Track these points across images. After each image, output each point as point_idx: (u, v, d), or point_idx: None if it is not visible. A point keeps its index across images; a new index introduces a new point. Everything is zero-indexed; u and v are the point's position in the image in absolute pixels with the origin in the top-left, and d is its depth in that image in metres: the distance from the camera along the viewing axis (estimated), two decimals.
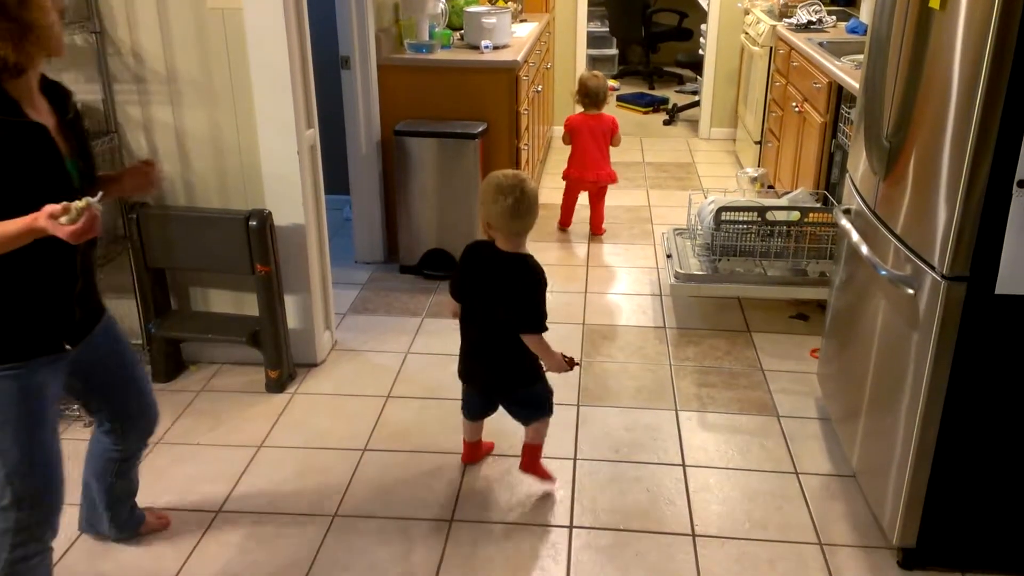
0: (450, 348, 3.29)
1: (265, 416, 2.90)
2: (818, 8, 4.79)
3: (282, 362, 3.04)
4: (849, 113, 3.44)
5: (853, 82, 3.26)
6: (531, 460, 2.53)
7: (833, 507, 2.46)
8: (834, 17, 4.82)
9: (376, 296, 3.80)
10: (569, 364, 2.38)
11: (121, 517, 2.27)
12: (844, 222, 2.50)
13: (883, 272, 2.17)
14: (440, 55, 3.99)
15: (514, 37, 4.37)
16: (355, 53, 3.75)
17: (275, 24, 2.76)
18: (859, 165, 2.52)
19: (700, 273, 3.46)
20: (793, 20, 4.78)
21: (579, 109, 4.50)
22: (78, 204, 1.60)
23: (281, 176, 2.94)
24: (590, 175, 4.40)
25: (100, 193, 1.65)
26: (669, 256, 3.64)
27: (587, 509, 2.45)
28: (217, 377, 3.14)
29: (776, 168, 4.67)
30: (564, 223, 4.59)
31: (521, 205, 2.22)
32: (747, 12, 5.74)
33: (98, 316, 1.97)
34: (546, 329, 2.30)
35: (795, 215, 3.41)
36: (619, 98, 7.47)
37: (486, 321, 2.35)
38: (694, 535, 2.35)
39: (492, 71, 3.91)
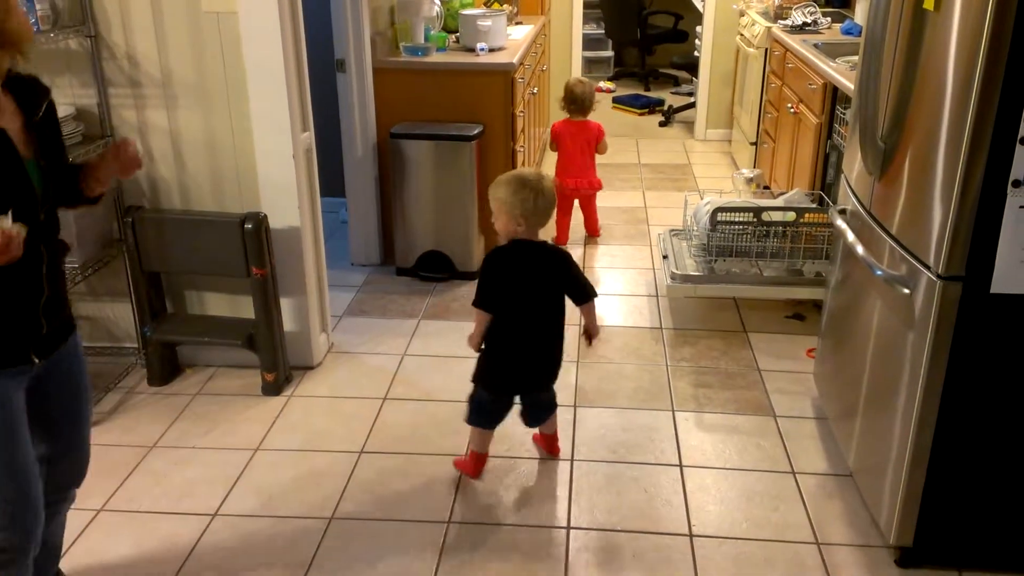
0: (447, 350, 3.31)
1: (261, 419, 2.89)
2: (813, 10, 4.80)
3: (278, 365, 3.03)
4: (844, 114, 3.44)
5: (848, 83, 3.27)
6: (554, 441, 2.71)
7: (830, 506, 2.46)
8: (829, 19, 4.83)
9: (372, 298, 3.80)
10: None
11: None
12: (839, 222, 2.50)
13: (879, 272, 2.18)
14: (436, 58, 3.99)
15: (510, 39, 4.37)
16: (351, 56, 3.75)
17: (270, 27, 2.76)
18: (854, 165, 2.52)
19: (696, 274, 3.47)
20: (788, 22, 4.79)
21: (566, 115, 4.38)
22: None
23: (277, 179, 2.94)
24: (570, 182, 4.30)
25: (10, 211, 1.52)
26: (665, 257, 3.65)
27: (584, 510, 2.45)
28: (213, 380, 3.14)
29: (772, 169, 4.68)
30: (560, 239, 4.39)
31: (550, 196, 2.37)
32: (742, 14, 5.75)
33: (67, 332, 1.83)
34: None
35: (791, 215, 3.42)
36: (615, 100, 7.48)
37: (547, 314, 2.44)
38: (691, 535, 2.35)
39: (488, 73, 3.91)
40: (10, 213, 1.52)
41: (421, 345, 3.38)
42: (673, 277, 3.45)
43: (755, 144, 5.21)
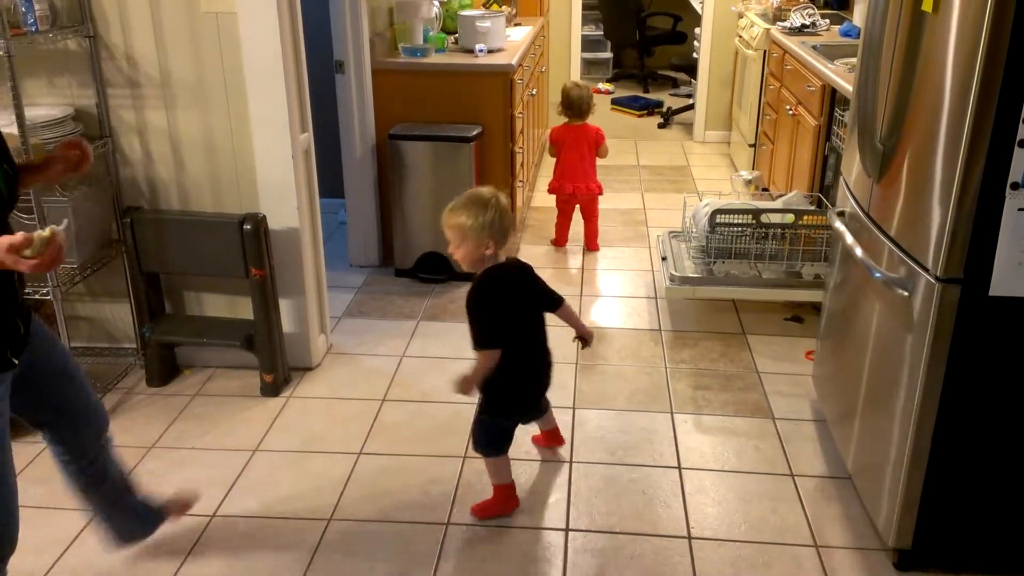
0: (445, 351, 3.31)
1: (260, 420, 2.89)
2: (811, 12, 4.80)
3: (277, 366, 3.03)
4: (843, 116, 3.45)
5: (847, 85, 3.27)
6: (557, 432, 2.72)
7: (828, 509, 2.46)
8: (827, 21, 4.84)
9: (371, 300, 3.80)
10: None
11: (134, 518, 2.19)
12: (838, 224, 2.50)
13: (877, 274, 2.18)
14: (434, 59, 3.99)
15: (508, 41, 4.37)
16: (349, 57, 3.75)
17: (269, 28, 2.76)
18: (853, 168, 2.52)
19: (695, 276, 3.47)
20: (787, 24, 4.80)
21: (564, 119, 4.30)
22: (41, 234, 1.45)
23: (276, 180, 2.94)
24: (568, 187, 4.25)
25: (65, 221, 1.53)
26: (664, 259, 3.65)
27: (583, 512, 2.45)
28: (212, 381, 3.14)
29: (770, 171, 4.68)
30: (559, 242, 4.40)
31: (509, 209, 2.28)
32: (741, 16, 5.75)
33: (30, 322, 1.82)
34: None
35: (789, 218, 3.42)
36: (613, 101, 7.49)
37: (538, 326, 2.40)
38: (690, 537, 2.35)
39: (487, 75, 3.92)
40: (65, 222, 1.53)
41: (420, 346, 3.38)
42: (672, 279, 3.45)
43: (754, 146, 5.21)
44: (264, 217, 2.90)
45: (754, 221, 3.41)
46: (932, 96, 1.96)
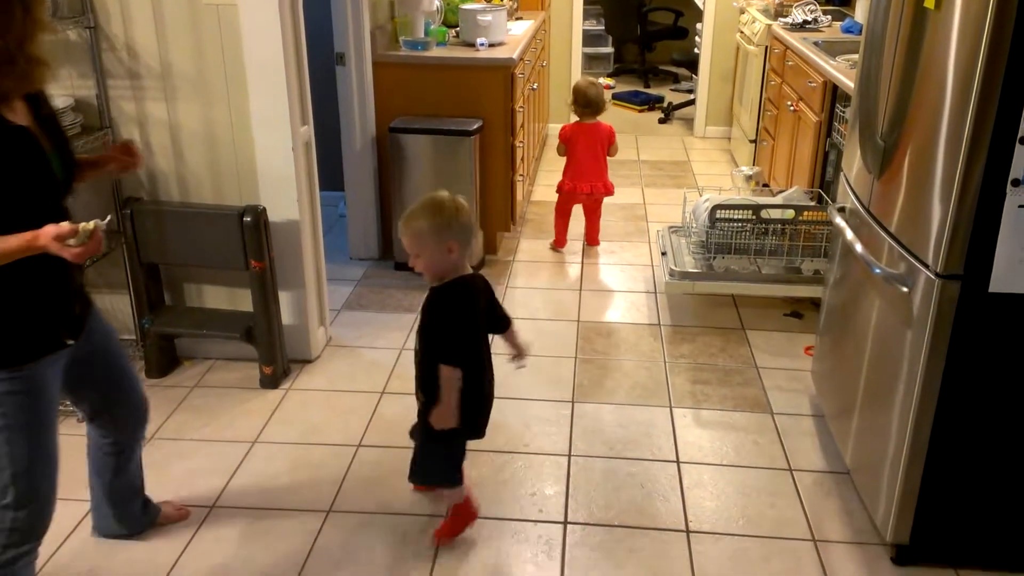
0: None
1: (259, 412, 2.89)
2: (813, 8, 4.80)
3: (276, 358, 3.03)
4: (844, 112, 3.45)
5: (848, 81, 3.27)
6: None
7: (827, 504, 2.46)
8: (829, 16, 4.83)
9: (371, 292, 3.80)
10: None
11: (130, 515, 2.28)
12: (838, 220, 2.50)
13: (877, 270, 2.18)
14: (435, 52, 3.99)
15: (510, 35, 4.37)
16: (350, 50, 3.74)
17: (270, 20, 2.75)
18: (854, 164, 2.53)
19: (695, 271, 3.47)
20: (788, 19, 4.79)
21: (574, 118, 4.25)
22: (86, 226, 1.61)
23: (276, 172, 2.94)
24: (585, 187, 4.17)
25: (109, 216, 1.69)
26: (664, 254, 3.65)
27: (581, 505, 2.45)
28: (211, 373, 3.14)
29: (771, 166, 4.68)
30: (559, 243, 4.28)
31: (469, 212, 2.11)
32: (742, 11, 5.74)
33: (89, 306, 1.97)
34: None
35: (790, 213, 3.42)
36: (614, 96, 7.47)
37: (486, 339, 2.22)
38: (688, 531, 2.35)
39: (488, 68, 3.91)
40: (109, 217, 1.71)
41: None
42: (672, 274, 3.46)
43: (754, 142, 5.21)
44: (264, 209, 2.90)
45: (754, 216, 3.41)
46: (934, 93, 1.96)
